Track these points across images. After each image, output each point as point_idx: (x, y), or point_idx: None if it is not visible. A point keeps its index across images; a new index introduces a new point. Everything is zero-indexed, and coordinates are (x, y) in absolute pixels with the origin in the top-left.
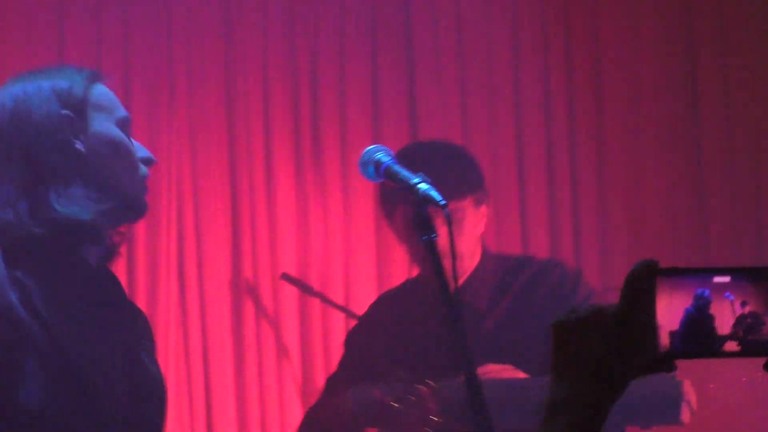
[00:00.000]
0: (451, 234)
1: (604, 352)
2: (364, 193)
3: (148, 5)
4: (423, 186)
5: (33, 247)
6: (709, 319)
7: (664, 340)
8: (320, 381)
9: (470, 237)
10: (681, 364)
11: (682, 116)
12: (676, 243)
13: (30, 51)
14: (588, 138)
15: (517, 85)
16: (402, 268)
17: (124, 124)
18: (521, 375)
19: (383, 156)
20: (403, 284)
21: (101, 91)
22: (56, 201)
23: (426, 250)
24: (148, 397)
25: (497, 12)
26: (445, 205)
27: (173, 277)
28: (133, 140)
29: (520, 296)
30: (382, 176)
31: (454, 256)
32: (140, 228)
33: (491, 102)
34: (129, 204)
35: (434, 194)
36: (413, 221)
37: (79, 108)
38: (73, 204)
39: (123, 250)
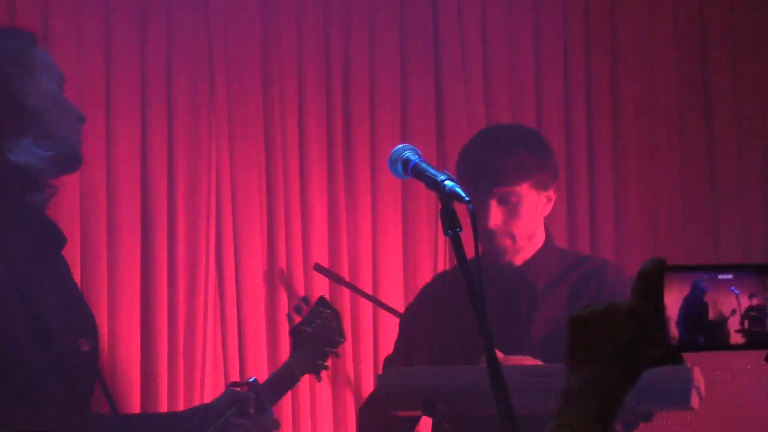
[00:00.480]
0: (475, 229)
1: (617, 346)
2: (392, 190)
3: (189, 15)
4: (449, 183)
5: None
6: (704, 307)
7: (673, 332)
8: (349, 366)
9: (527, 220)
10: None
11: (694, 123)
12: (688, 245)
13: (79, 53)
14: (604, 140)
15: (538, 89)
16: (427, 259)
17: (61, 84)
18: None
19: (411, 155)
20: (454, 267)
21: (43, 53)
22: (10, 151)
23: (452, 243)
24: (87, 333)
25: (520, 19)
26: (468, 202)
27: (212, 266)
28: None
29: (575, 288)
30: (409, 174)
31: (477, 250)
32: (180, 219)
33: (514, 105)
34: (69, 155)
35: (459, 191)
36: (440, 216)
37: (26, 66)
38: (26, 154)
39: (164, 240)
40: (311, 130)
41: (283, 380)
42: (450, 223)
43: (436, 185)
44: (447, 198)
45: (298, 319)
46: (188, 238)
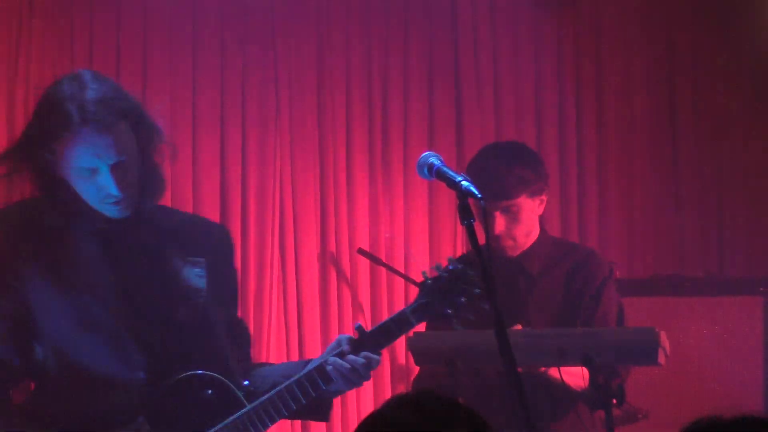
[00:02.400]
0: (485, 221)
1: None
2: (421, 189)
3: (261, 50)
4: (465, 183)
5: None
6: None
7: None
8: None
9: (526, 223)
10: (656, 315)
11: (662, 139)
12: (658, 234)
13: (171, 85)
14: (591, 153)
15: (538, 111)
16: (448, 244)
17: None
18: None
19: (435, 160)
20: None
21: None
22: None
23: (467, 231)
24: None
25: (524, 58)
26: (481, 198)
27: (276, 250)
28: None
29: (566, 272)
30: (434, 176)
31: (488, 236)
32: (251, 212)
33: (517, 123)
34: None
35: (473, 190)
36: (458, 210)
37: None
38: None
39: (238, 230)
40: (356, 141)
41: (394, 326)
42: (465, 215)
43: (454, 185)
44: (463, 195)
45: (434, 274)
46: (257, 227)
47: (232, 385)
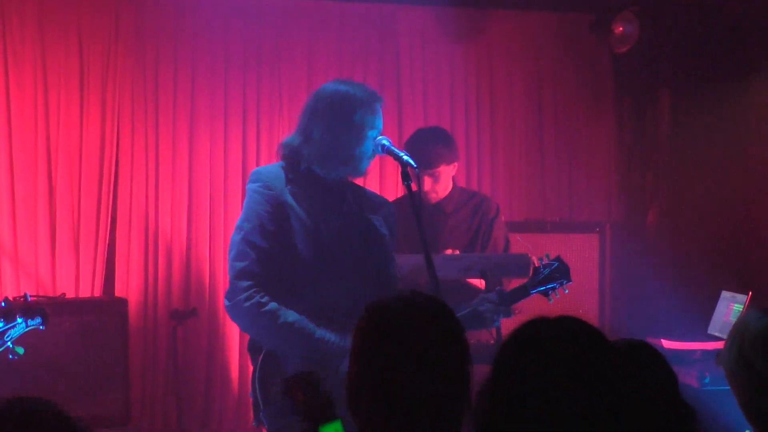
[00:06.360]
0: (418, 182)
1: None
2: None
3: (268, 76)
4: (406, 157)
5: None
6: None
7: None
8: None
9: (444, 183)
10: (528, 245)
11: (533, 125)
12: (528, 197)
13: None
14: (486, 132)
15: (452, 107)
16: (392, 197)
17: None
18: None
19: (385, 141)
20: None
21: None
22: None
23: (406, 189)
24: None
25: (444, 72)
26: (416, 168)
27: None
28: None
29: (470, 211)
30: (385, 152)
31: (420, 193)
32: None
33: (439, 114)
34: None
35: (411, 161)
36: (401, 175)
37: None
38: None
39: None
40: None
41: (519, 293)
42: (405, 178)
43: (399, 158)
44: (404, 165)
45: (538, 263)
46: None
47: None
